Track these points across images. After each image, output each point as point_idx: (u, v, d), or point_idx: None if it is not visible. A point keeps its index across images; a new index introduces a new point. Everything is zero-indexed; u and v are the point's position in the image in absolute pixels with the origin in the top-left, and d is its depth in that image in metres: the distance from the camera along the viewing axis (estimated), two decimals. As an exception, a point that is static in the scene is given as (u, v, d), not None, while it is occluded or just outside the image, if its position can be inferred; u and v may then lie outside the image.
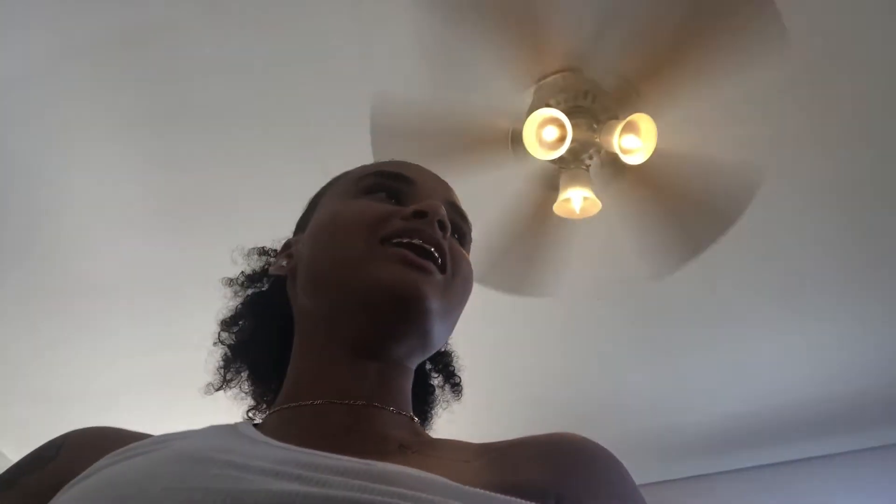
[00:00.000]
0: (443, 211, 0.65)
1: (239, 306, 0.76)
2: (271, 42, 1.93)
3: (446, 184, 0.76)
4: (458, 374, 0.80)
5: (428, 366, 0.80)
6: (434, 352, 0.70)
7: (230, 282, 0.77)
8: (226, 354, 0.75)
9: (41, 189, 2.27)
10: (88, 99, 2.04)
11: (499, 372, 2.91)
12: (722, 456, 3.48)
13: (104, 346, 2.83)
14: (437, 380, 0.80)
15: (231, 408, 0.75)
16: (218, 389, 0.74)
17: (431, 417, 0.78)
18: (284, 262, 0.72)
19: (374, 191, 0.69)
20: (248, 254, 0.79)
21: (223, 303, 0.76)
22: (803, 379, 3.05)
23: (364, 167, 0.75)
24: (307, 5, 1.85)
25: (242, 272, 0.78)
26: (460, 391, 0.79)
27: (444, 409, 0.79)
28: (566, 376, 3.07)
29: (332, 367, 0.63)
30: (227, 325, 0.76)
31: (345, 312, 0.63)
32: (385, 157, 0.80)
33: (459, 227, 0.72)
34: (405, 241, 0.63)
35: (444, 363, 0.80)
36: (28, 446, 0.62)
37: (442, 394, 0.79)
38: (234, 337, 0.75)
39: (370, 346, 0.63)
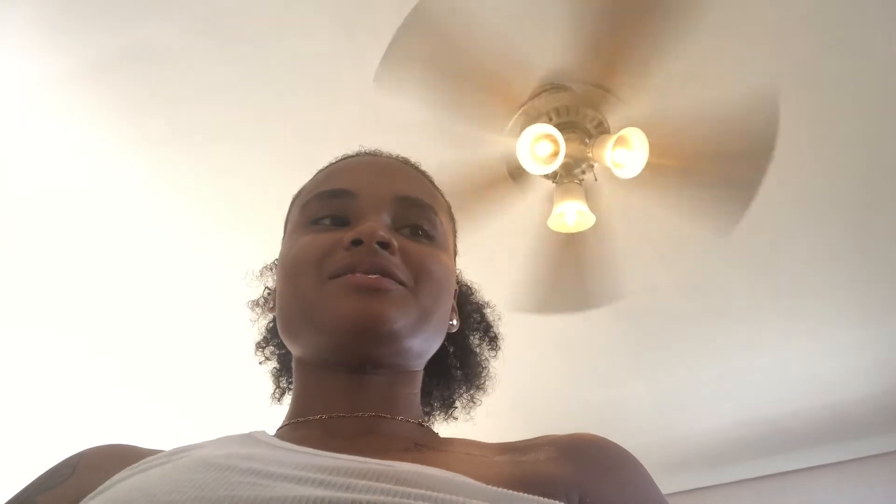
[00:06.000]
0: (379, 232, 0.62)
1: (266, 327, 0.80)
2: (269, 61, 1.95)
3: (398, 172, 0.72)
4: (494, 326, 0.80)
5: (463, 328, 0.78)
6: (432, 353, 0.68)
7: (254, 304, 0.79)
8: (273, 369, 0.79)
9: (37, 206, 2.27)
10: (85, 120, 2.04)
11: (495, 387, 2.91)
12: (722, 467, 3.48)
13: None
14: (476, 338, 0.79)
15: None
16: (281, 397, 0.78)
17: (452, 404, 0.78)
18: (272, 303, 0.72)
19: (318, 218, 0.67)
20: (262, 273, 0.79)
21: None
22: (803, 387, 3.06)
23: (308, 187, 0.73)
24: (302, 27, 1.87)
25: (258, 299, 0.80)
26: (497, 345, 0.79)
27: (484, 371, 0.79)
28: (564, 391, 3.07)
29: (333, 385, 0.63)
30: (260, 346, 0.80)
31: (322, 348, 0.63)
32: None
33: (418, 220, 0.68)
34: (349, 275, 0.61)
35: (478, 319, 0.79)
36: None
37: (481, 350, 0.79)
38: (270, 353, 0.79)
39: (360, 368, 0.63)
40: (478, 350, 0.78)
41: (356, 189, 0.67)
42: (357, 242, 0.62)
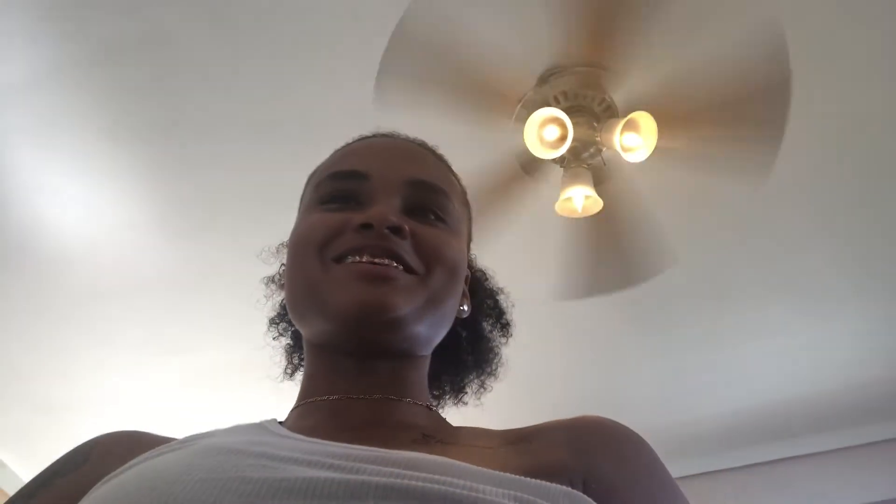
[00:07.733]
0: (389, 217, 0.61)
1: (280, 303, 0.78)
2: (272, 48, 1.93)
3: (413, 155, 0.71)
4: (507, 312, 0.79)
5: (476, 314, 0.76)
6: (439, 339, 0.68)
7: (269, 281, 0.78)
8: (287, 345, 0.77)
9: (41, 197, 2.27)
10: (88, 108, 2.04)
11: (505, 374, 2.91)
12: (723, 453, 3.49)
13: (106, 353, 2.82)
14: (488, 323, 0.78)
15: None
16: (293, 374, 0.76)
17: (463, 389, 0.78)
18: (282, 281, 0.72)
19: (329, 198, 0.67)
20: (278, 250, 0.78)
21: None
22: (810, 372, 3.06)
23: (323, 166, 0.73)
24: (306, 13, 1.85)
25: (273, 275, 0.78)
26: (508, 331, 0.78)
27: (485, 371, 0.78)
28: (572, 377, 3.07)
29: (342, 366, 0.64)
30: (273, 322, 0.78)
31: (328, 333, 0.63)
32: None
33: (430, 204, 0.67)
34: (356, 259, 0.61)
35: (491, 304, 0.78)
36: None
37: (493, 336, 0.78)
38: (283, 330, 0.78)
39: (367, 353, 0.63)
40: (490, 336, 0.78)
41: (369, 171, 0.67)
42: (367, 226, 0.61)
